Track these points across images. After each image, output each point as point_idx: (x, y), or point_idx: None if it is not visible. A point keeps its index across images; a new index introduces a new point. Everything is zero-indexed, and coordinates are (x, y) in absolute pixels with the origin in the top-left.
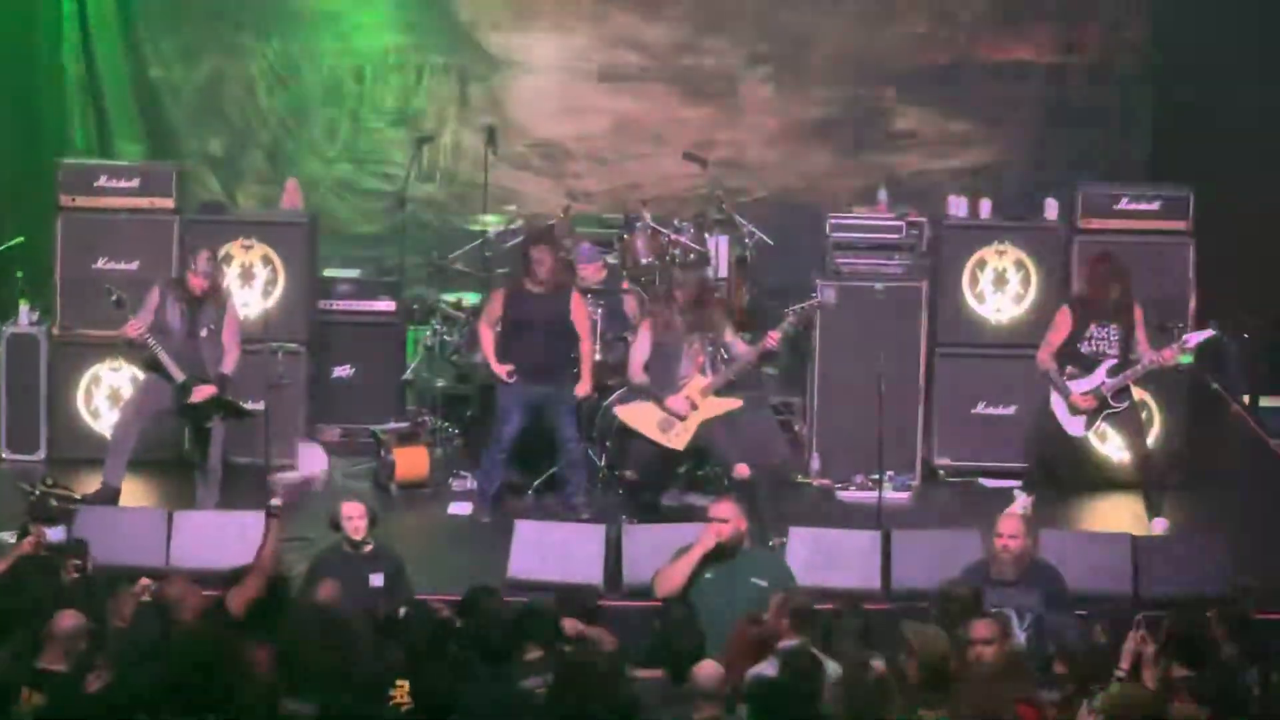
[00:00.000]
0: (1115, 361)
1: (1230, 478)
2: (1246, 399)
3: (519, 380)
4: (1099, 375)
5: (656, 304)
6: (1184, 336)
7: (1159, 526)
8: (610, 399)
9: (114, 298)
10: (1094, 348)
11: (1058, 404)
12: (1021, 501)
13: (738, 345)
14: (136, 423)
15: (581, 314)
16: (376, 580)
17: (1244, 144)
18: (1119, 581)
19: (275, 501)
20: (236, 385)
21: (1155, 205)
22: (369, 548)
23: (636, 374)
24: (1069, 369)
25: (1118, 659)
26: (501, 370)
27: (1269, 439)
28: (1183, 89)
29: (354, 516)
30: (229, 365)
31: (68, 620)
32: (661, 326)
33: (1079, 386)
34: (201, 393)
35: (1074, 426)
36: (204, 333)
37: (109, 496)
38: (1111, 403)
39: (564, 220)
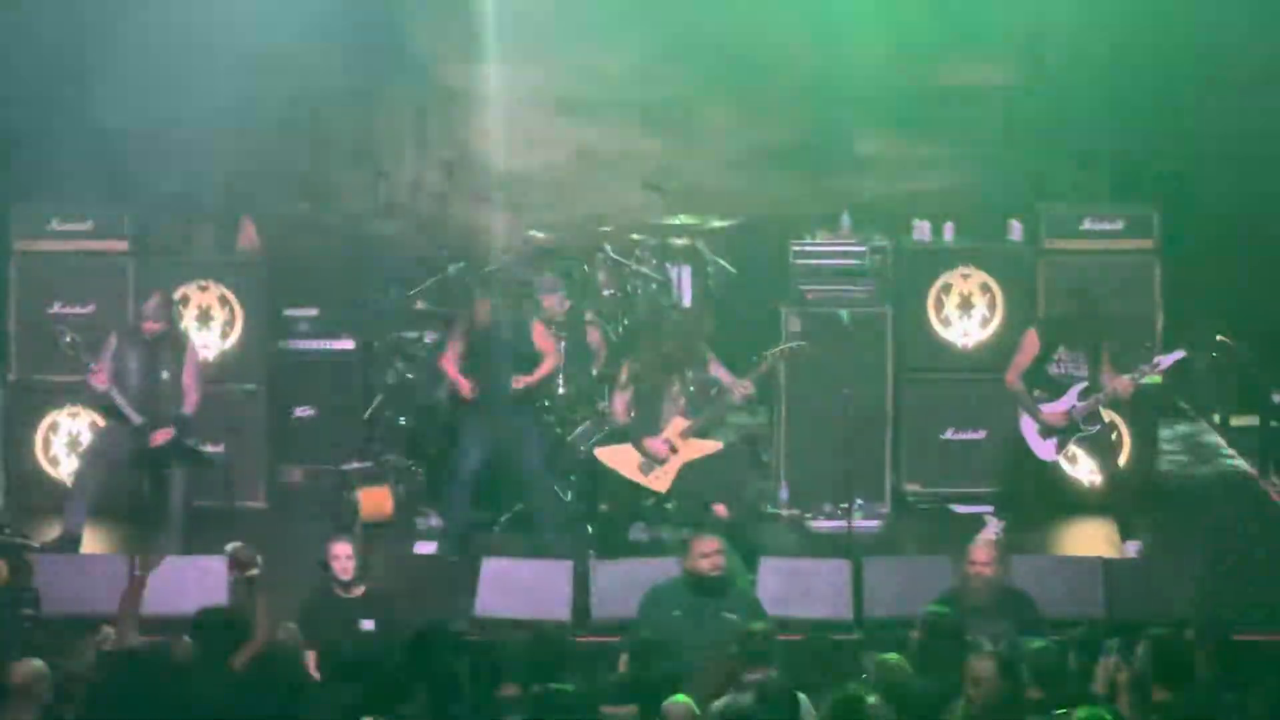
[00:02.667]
0: (1085, 384)
1: (1202, 499)
2: (1216, 418)
3: (479, 415)
4: (1069, 398)
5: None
6: (1155, 359)
7: (1131, 549)
8: (574, 434)
9: (67, 339)
10: (1062, 370)
11: (1028, 428)
12: (993, 527)
13: (725, 376)
14: (97, 469)
15: (544, 340)
16: (367, 625)
17: (1206, 161)
18: (1092, 605)
19: (255, 571)
20: (196, 427)
21: (1119, 225)
22: (359, 590)
23: (619, 416)
24: (1036, 392)
25: (1091, 683)
26: (464, 385)
27: (1240, 458)
28: (1144, 107)
29: (341, 556)
30: (189, 407)
31: (25, 667)
32: (642, 374)
33: (1048, 408)
34: (160, 435)
35: (1045, 451)
36: (164, 376)
37: (70, 543)
38: (1082, 426)
39: (525, 251)
